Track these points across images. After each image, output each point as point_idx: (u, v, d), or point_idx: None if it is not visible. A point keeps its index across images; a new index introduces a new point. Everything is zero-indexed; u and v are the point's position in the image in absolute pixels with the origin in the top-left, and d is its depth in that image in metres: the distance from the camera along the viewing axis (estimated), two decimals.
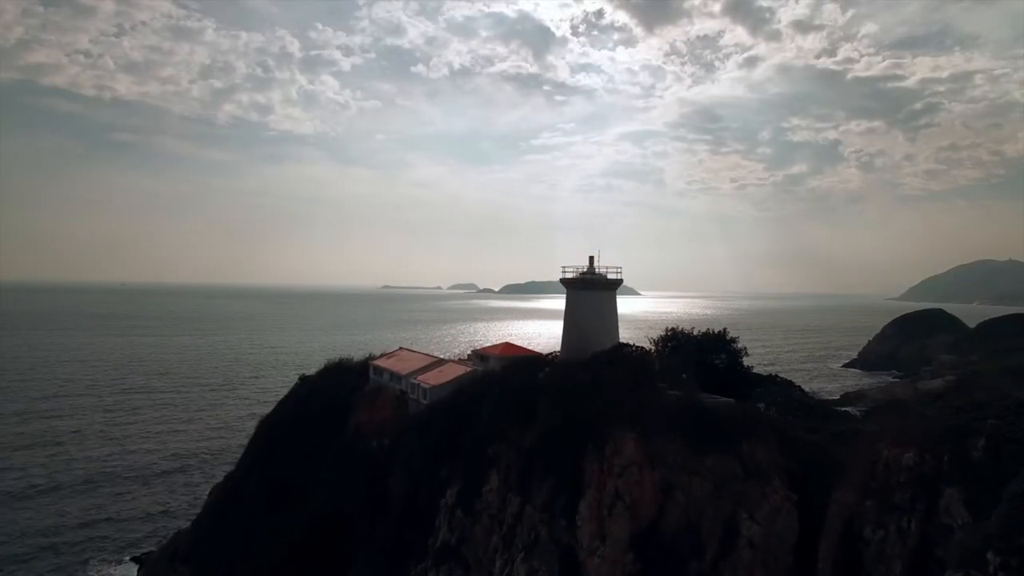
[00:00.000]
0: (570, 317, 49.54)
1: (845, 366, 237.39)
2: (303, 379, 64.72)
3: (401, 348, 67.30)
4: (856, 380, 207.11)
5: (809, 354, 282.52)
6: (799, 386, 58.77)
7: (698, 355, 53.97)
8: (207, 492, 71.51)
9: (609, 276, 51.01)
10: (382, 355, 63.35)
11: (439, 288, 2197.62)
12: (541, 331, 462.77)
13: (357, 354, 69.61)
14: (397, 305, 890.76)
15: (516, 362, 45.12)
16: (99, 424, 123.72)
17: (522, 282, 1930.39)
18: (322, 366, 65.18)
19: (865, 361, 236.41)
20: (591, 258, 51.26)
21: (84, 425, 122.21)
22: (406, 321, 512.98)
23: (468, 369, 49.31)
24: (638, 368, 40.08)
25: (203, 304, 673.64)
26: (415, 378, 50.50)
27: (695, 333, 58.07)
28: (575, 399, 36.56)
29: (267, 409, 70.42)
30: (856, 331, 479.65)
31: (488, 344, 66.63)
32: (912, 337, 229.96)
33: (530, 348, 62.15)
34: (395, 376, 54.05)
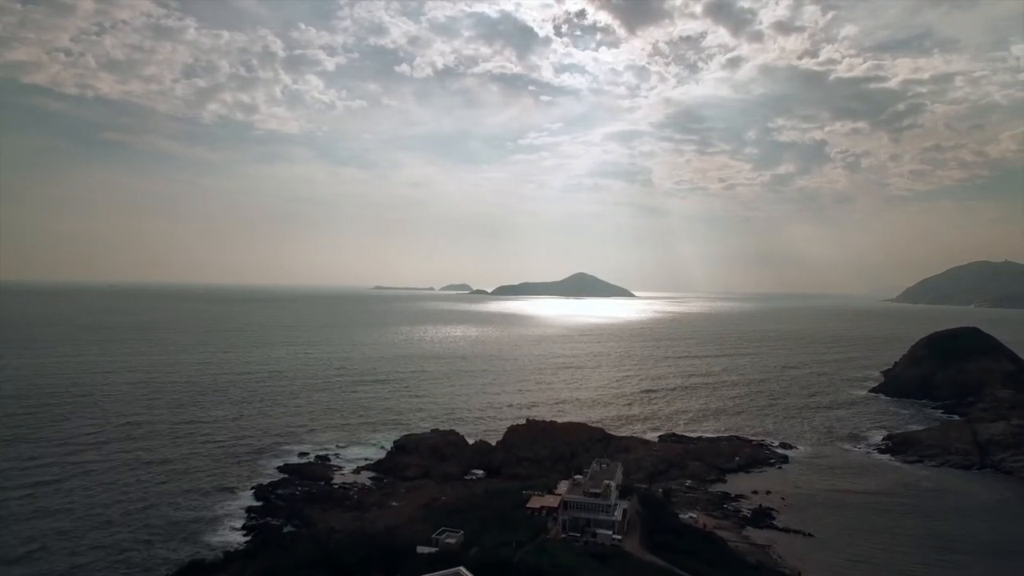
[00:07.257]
0: None
1: (872, 391, 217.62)
2: None
3: None
4: (889, 411, 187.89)
5: (830, 375, 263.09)
6: None
7: None
8: None
9: None
10: None
11: (432, 289, 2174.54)
12: (528, 334, 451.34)
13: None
14: (389, 306, 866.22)
15: None
16: None
17: (515, 283, 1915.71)
18: None
19: (894, 386, 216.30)
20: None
21: None
22: (398, 323, 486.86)
23: None
24: None
25: (193, 309, 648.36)
26: None
27: None
28: None
29: None
30: (867, 339, 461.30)
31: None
32: (946, 360, 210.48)
33: None
34: None
